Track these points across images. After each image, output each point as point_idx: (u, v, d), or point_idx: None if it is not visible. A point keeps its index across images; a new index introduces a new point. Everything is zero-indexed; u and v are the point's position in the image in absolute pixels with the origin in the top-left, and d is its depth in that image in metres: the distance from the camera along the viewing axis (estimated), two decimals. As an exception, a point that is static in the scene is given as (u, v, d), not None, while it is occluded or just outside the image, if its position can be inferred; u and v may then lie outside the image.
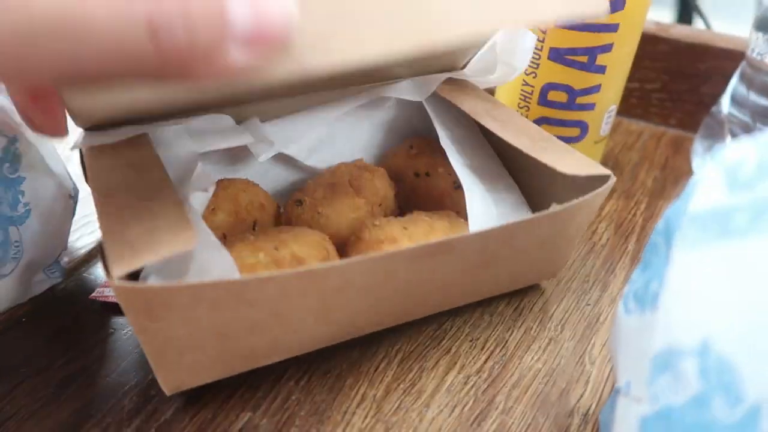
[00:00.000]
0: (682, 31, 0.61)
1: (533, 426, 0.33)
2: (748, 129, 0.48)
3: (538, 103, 0.47)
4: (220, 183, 0.41)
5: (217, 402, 0.34)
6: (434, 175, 0.43)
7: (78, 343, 0.36)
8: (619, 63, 0.45)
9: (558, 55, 0.45)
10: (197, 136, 0.38)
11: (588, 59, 0.44)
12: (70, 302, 0.39)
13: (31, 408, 0.33)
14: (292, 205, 0.40)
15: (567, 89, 0.46)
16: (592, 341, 0.38)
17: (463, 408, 0.34)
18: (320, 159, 0.46)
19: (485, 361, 0.36)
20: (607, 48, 0.44)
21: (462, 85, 0.44)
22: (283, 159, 0.45)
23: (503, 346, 0.37)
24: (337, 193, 0.40)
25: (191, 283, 0.26)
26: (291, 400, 0.34)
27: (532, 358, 0.37)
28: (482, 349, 0.37)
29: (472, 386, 0.35)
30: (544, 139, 0.38)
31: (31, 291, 0.38)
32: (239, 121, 0.41)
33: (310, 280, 0.29)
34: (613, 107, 0.49)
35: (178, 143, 0.37)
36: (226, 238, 0.36)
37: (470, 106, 0.41)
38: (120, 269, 0.24)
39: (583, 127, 0.48)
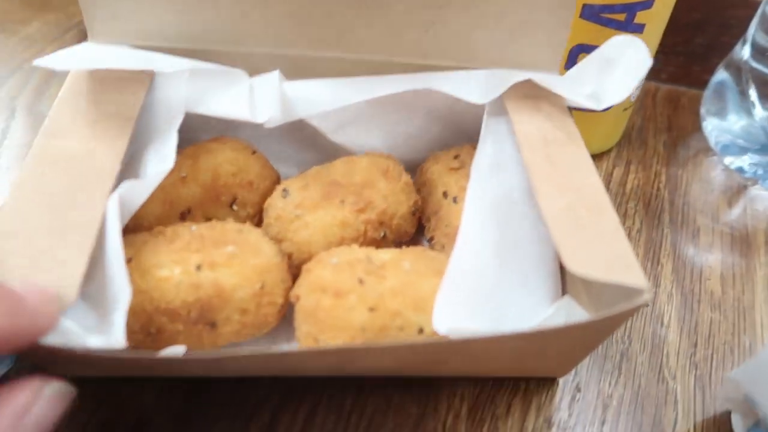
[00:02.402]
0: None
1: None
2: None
3: (566, 68, 0.41)
4: (208, 143, 0.35)
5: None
6: (462, 201, 0.34)
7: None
8: (658, 20, 0.40)
9: (592, 13, 0.38)
10: (199, 90, 0.33)
11: (626, 17, 0.38)
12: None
13: None
14: (277, 194, 0.34)
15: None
16: (665, 350, 0.34)
17: (555, 462, 0.29)
18: (350, 137, 0.38)
19: (561, 396, 0.31)
20: (648, 4, 0.38)
21: (539, 94, 0.34)
22: (306, 131, 0.38)
23: (574, 373, 0.33)
24: (331, 197, 0.33)
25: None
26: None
27: (610, 383, 0.32)
28: (552, 380, 0.32)
29: (557, 429, 0.30)
30: (590, 207, 0.28)
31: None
32: (257, 71, 0.35)
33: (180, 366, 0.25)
34: (646, 69, 0.44)
35: (175, 93, 0.33)
36: (185, 217, 0.33)
37: (528, 128, 0.32)
38: None
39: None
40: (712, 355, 0.34)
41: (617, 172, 0.47)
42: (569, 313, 0.28)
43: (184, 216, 0.33)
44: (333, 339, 0.27)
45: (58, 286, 0.23)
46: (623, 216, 0.43)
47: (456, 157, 0.37)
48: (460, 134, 0.39)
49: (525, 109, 0.33)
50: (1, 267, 0.23)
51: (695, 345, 0.35)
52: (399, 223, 0.34)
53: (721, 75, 0.48)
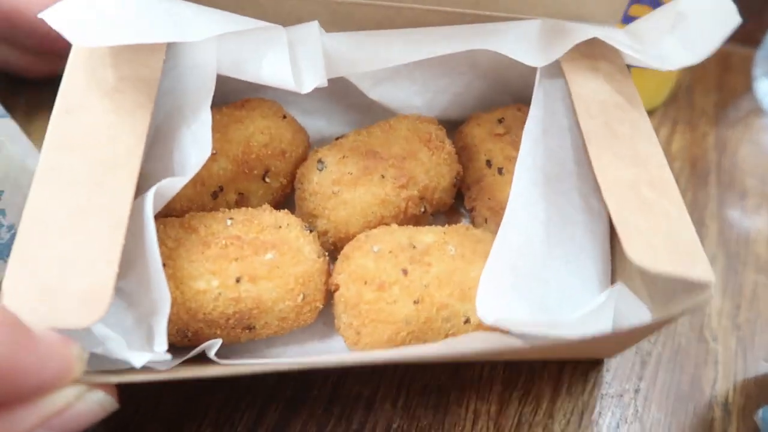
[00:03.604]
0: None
1: (676, 424, 0.29)
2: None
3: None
4: (235, 109, 0.32)
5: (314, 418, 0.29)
6: (508, 173, 0.32)
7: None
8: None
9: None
10: (232, 52, 0.29)
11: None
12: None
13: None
14: (311, 165, 0.32)
15: (652, 2, 0.38)
16: (707, 311, 0.33)
17: (591, 414, 0.29)
18: (388, 94, 0.35)
19: (598, 351, 0.31)
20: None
21: (596, 52, 0.31)
22: (339, 84, 0.35)
23: (612, 329, 0.32)
24: (371, 172, 0.30)
25: None
26: (393, 429, 0.28)
27: (649, 341, 0.32)
28: (590, 335, 0.32)
29: (593, 384, 0.30)
30: (654, 185, 0.26)
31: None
32: (290, 19, 0.31)
33: None
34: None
35: (204, 56, 0.29)
36: (217, 195, 0.31)
37: (585, 90, 0.29)
38: None
39: (656, 5, 0.40)
40: (756, 318, 0.34)
41: (663, 132, 0.45)
42: (621, 300, 0.27)
43: (216, 195, 0.31)
44: (376, 332, 0.26)
45: (89, 295, 0.21)
46: (668, 176, 0.42)
47: (500, 121, 0.34)
48: (505, 92, 0.37)
49: (582, 69, 0.30)
50: (30, 274, 0.22)
51: (739, 307, 0.34)
52: (440, 196, 0.32)
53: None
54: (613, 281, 0.29)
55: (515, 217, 0.27)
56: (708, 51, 0.30)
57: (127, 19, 0.26)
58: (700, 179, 0.42)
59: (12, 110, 0.33)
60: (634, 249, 0.23)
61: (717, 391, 0.30)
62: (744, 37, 0.54)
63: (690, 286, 0.23)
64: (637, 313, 0.26)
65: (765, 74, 0.46)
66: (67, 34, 0.25)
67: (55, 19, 0.25)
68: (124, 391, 0.23)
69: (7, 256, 0.23)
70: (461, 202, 0.35)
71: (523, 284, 0.26)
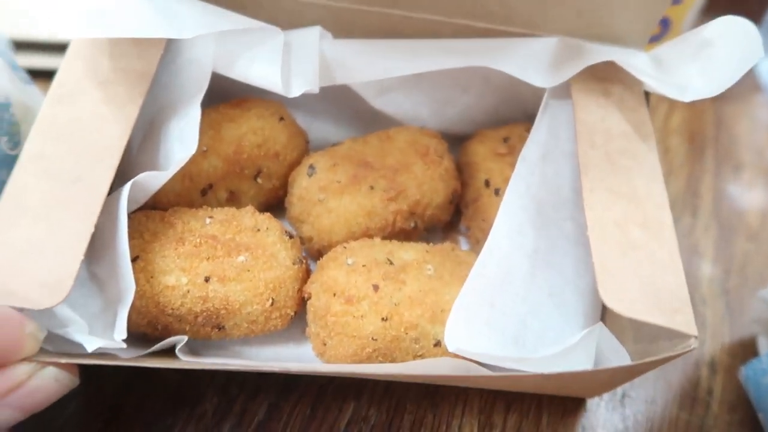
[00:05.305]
0: None
1: (664, 381, 0.30)
2: None
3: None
4: (231, 108, 0.32)
5: (311, 393, 0.30)
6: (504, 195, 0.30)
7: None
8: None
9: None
10: (228, 51, 0.29)
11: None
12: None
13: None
14: (302, 169, 0.31)
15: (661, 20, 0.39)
16: (698, 277, 0.35)
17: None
18: (394, 104, 0.35)
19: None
20: None
21: (612, 76, 0.30)
22: (346, 91, 0.34)
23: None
24: (360, 182, 0.30)
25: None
26: (395, 382, 0.30)
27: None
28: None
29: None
30: (646, 225, 0.25)
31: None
32: (295, 22, 0.31)
33: None
34: None
35: (202, 54, 0.29)
36: (206, 192, 0.31)
37: (592, 117, 0.28)
38: None
39: (665, 23, 0.41)
40: (744, 283, 0.35)
41: (662, 108, 0.46)
42: (602, 340, 0.26)
43: (206, 192, 0.31)
44: (341, 345, 0.26)
45: (50, 280, 0.22)
46: (666, 151, 0.43)
47: (505, 139, 0.33)
48: (518, 109, 0.35)
49: (592, 92, 0.29)
50: None
51: (728, 273, 0.35)
52: (433, 213, 0.32)
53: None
54: (604, 319, 0.28)
55: (497, 246, 0.26)
56: (729, 82, 0.28)
57: (124, 13, 0.26)
58: (698, 153, 0.43)
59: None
60: (607, 290, 0.23)
61: (704, 352, 0.32)
62: (746, 13, 0.55)
63: (672, 334, 0.23)
64: (616, 355, 0.25)
65: (765, 50, 0.47)
66: (64, 24, 0.26)
67: (56, 9, 0.26)
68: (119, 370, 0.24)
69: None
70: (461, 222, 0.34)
71: (498, 320, 0.25)
